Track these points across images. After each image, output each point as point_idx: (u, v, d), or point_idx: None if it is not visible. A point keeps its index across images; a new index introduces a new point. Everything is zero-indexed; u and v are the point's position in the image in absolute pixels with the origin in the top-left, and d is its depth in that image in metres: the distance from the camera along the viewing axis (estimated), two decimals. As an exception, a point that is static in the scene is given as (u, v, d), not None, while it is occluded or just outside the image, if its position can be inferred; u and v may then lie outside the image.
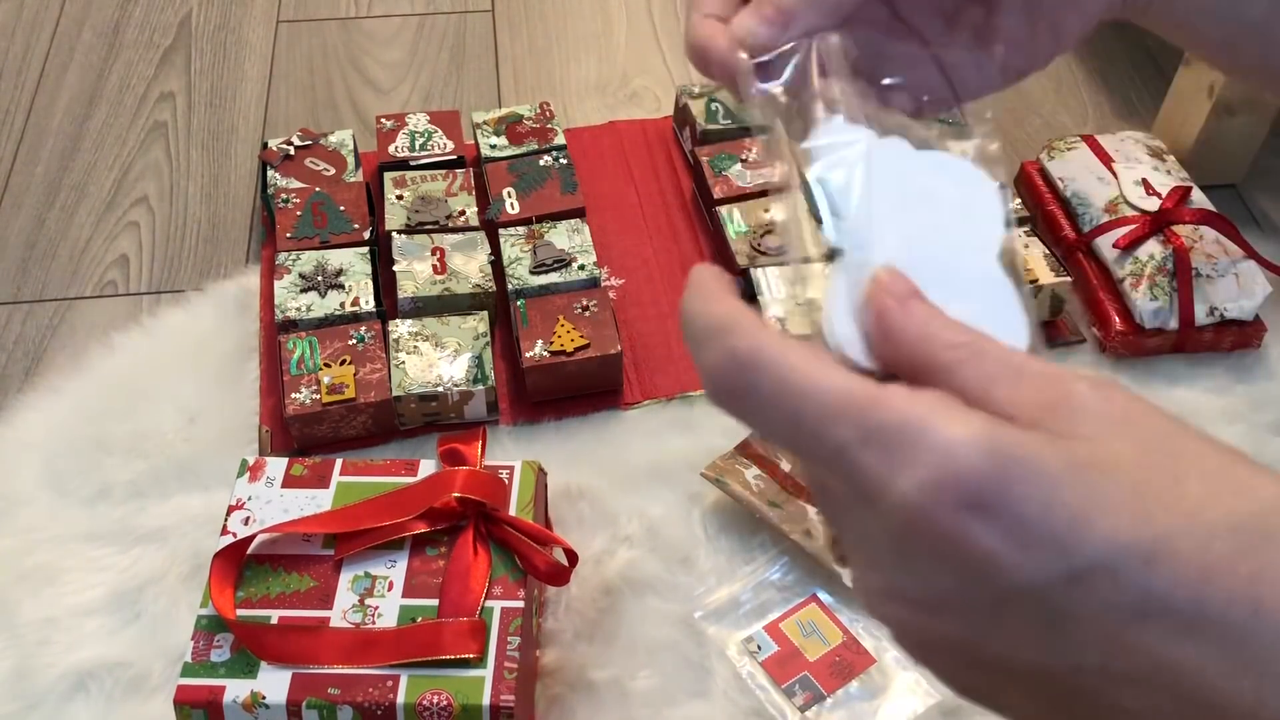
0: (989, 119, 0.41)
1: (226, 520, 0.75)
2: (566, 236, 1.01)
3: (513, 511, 0.76)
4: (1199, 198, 1.01)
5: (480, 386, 0.91)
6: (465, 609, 0.70)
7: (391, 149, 1.10)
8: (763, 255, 1.00)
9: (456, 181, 1.07)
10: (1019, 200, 1.03)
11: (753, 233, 1.02)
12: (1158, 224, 0.98)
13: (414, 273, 0.98)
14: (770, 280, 0.97)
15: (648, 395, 0.96)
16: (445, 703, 0.67)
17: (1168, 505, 0.29)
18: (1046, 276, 0.97)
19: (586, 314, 0.95)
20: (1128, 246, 0.98)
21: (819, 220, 0.36)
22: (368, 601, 0.71)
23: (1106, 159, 1.04)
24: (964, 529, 0.29)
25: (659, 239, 1.08)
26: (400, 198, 1.05)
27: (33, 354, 1.01)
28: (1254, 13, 0.52)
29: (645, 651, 0.80)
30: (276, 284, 0.98)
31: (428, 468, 0.77)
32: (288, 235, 1.02)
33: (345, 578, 0.72)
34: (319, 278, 0.98)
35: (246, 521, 0.75)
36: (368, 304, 0.97)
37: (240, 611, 0.70)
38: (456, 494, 0.74)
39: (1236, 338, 0.97)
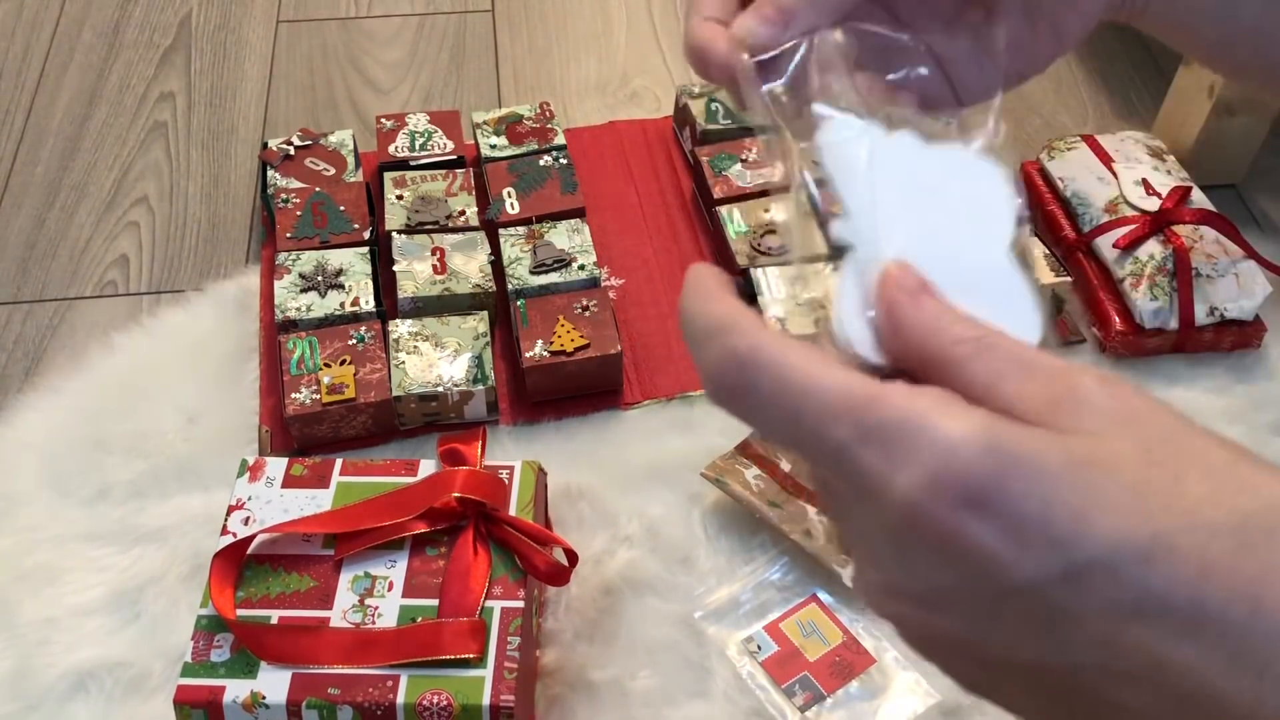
0: (997, 107, 0.41)
1: (226, 520, 0.75)
2: (566, 236, 1.01)
3: (513, 511, 0.76)
4: (1199, 198, 1.01)
5: (480, 386, 0.91)
6: (465, 609, 0.70)
7: (391, 149, 1.10)
8: (763, 255, 1.00)
9: (456, 181, 1.07)
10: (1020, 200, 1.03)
11: (753, 233, 1.02)
12: (1158, 224, 0.98)
13: (414, 273, 0.98)
14: (770, 280, 0.97)
15: (648, 395, 0.96)
16: (445, 703, 0.67)
17: (1168, 503, 0.29)
18: (1046, 276, 0.97)
19: (586, 314, 0.95)
20: (1128, 246, 0.98)
21: (821, 219, 0.36)
22: (368, 601, 0.71)
23: (1106, 159, 1.04)
24: (962, 526, 0.29)
25: (659, 239, 1.08)
26: (400, 198, 1.05)
27: (33, 354, 1.01)
28: (1250, 12, 0.52)
29: (645, 651, 0.80)
30: (276, 284, 0.98)
31: (428, 468, 0.77)
32: (288, 235, 1.02)
33: (345, 578, 0.72)
34: (319, 278, 0.98)
35: (246, 521, 0.75)
36: (368, 304, 0.97)
37: (240, 611, 0.70)
38: (456, 494, 0.74)
39: (1236, 338, 0.97)
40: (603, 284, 1.00)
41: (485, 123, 1.13)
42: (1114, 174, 1.03)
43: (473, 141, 1.13)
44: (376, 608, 0.71)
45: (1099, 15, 0.49)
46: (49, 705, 0.78)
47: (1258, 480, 0.30)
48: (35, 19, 1.34)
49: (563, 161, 1.08)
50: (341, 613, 0.71)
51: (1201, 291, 0.95)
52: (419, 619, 0.70)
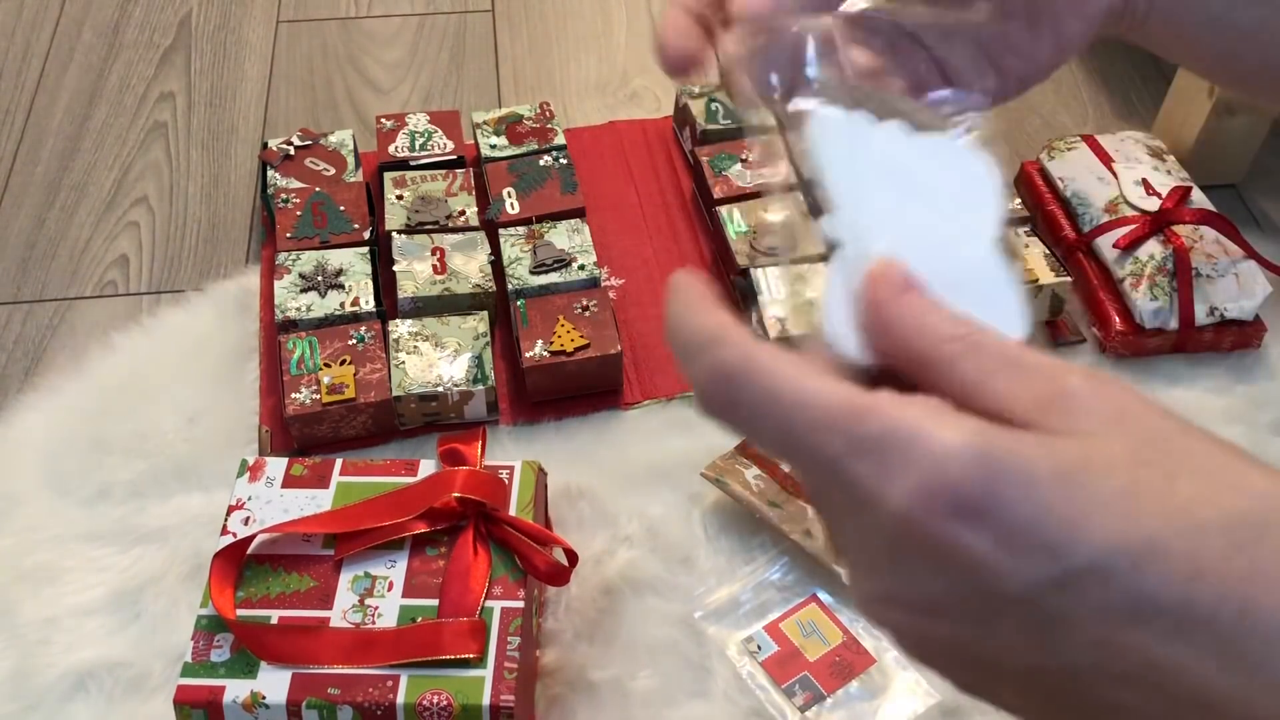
0: (988, 104, 0.41)
1: (226, 520, 0.75)
2: (566, 236, 1.01)
3: (513, 511, 0.76)
4: (1199, 198, 1.01)
5: (480, 386, 0.91)
6: (465, 609, 0.70)
7: (391, 149, 1.10)
8: (763, 255, 1.00)
9: (456, 181, 1.07)
10: (1019, 200, 1.03)
11: (753, 233, 1.02)
12: (1158, 224, 0.98)
13: (414, 273, 0.98)
14: (770, 280, 0.97)
15: (648, 395, 0.96)
16: (445, 703, 0.67)
17: (1159, 505, 0.29)
18: (1046, 276, 0.97)
19: (586, 314, 0.95)
20: (1128, 246, 0.98)
21: (815, 216, 0.36)
22: (368, 601, 0.71)
23: (1106, 159, 1.04)
24: (955, 536, 0.29)
25: (659, 239, 1.08)
26: (400, 198, 1.05)
27: (33, 354, 1.01)
28: (1250, 18, 0.51)
29: (645, 651, 0.80)
30: (276, 284, 0.98)
31: (428, 468, 0.77)
32: (288, 235, 1.02)
33: (345, 578, 0.72)
34: (319, 278, 0.98)
35: (246, 521, 0.75)
36: (368, 304, 0.97)
37: (240, 611, 0.70)
38: (456, 494, 0.74)
39: (1236, 338, 0.97)
40: (603, 284, 1.00)
41: (485, 123, 1.13)
42: (1114, 174, 1.03)
43: (473, 141, 1.13)
44: (376, 608, 0.71)
45: (1100, 18, 0.49)
46: (49, 705, 0.78)
47: (1249, 478, 0.30)
48: (35, 19, 1.34)
49: (563, 161, 1.08)
50: (341, 613, 0.71)
51: (1201, 291, 0.95)
52: (419, 619, 0.70)
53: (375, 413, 0.91)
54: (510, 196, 1.05)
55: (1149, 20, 0.50)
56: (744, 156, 1.08)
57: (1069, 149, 1.07)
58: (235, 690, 0.67)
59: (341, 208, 1.04)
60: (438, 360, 0.92)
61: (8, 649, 0.81)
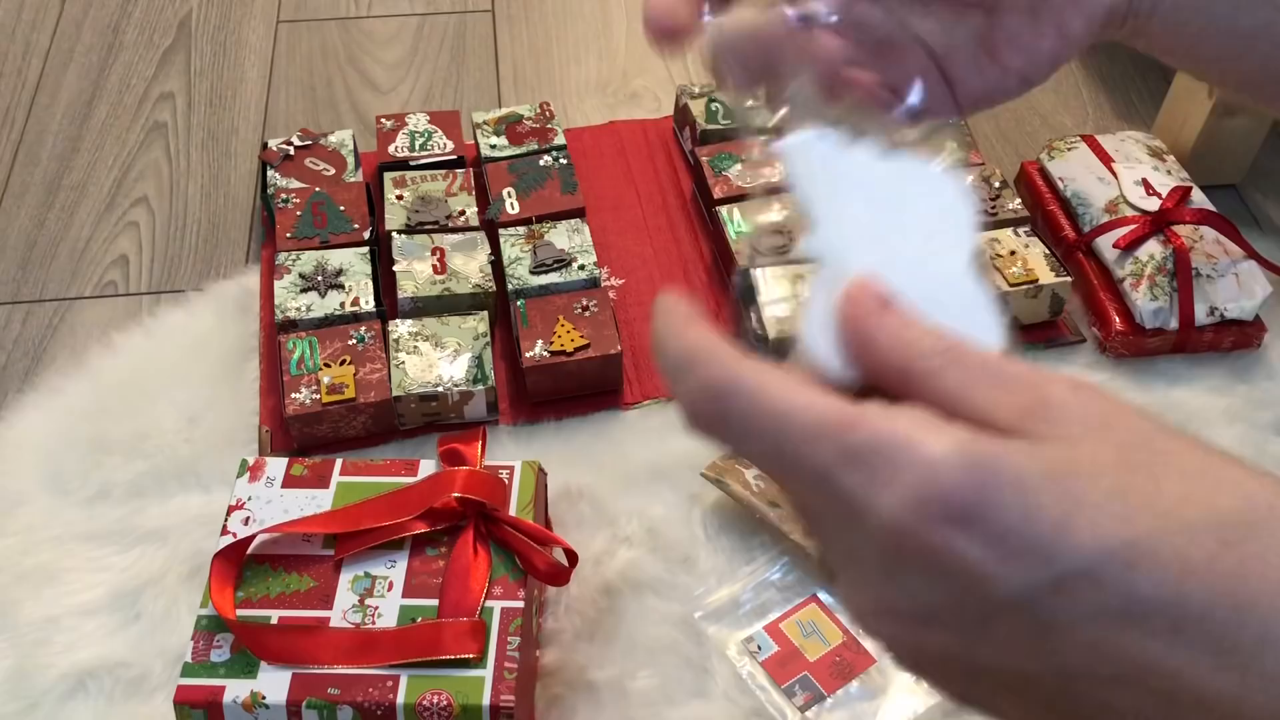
0: (955, 123, 0.42)
1: (226, 520, 0.75)
2: (566, 236, 1.01)
3: (513, 511, 0.76)
4: (1199, 198, 1.01)
5: (480, 386, 0.91)
6: (465, 609, 0.70)
7: (391, 149, 1.10)
8: (763, 255, 1.00)
9: (456, 181, 1.07)
10: (1019, 200, 1.04)
11: (752, 232, 1.02)
12: (1158, 224, 0.98)
13: (414, 273, 0.98)
14: (770, 280, 0.97)
15: (648, 395, 0.96)
16: (445, 703, 0.67)
17: (1147, 506, 0.29)
18: (1046, 276, 0.97)
19: (586, 314, 0.95)
20: (1128, 246, 0.98)
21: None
22: (368, 601, 0.71)
23: (1106, 159, 1.04)
24: (948, 543, 0.29)
25: (659, 239, 1.08)
26: (400, 198, 1.05)
27: (33, 354, 1.01)
28: (1254, 21, 0.51)
29: (645, 651, 0.80)
30: (276, 284, 0.98)
31: (428, 468, 0.77)
32: (288, 235, 1.02)
33: (345, 578, 0.72)
34: (319, 278, 0.98)
35: (246, 521, 0.75)
36: (368, 304, 0.97)
37: (240, 611, 0.70)
38: (456, 494, 0.74)
39: (1236, 338, 0.97)
40: (603, 284, 1.00)
41: (485, 123, 1.13)
42: (1114, 174, 1.03)
43: (473, 141, 1.13)
44: (376, 608, 0.71)
45: (1102, 19, 0.49)
46: (49, 705, 0.78)
47: (1233, 478, 0.30)
48: (35, 19, 1.34)
49: (563, 161, 1.08)
50: (341, 613, 0.71)
51: (1201, 291, 0.95)
52: (419, 619, 0.70)
53: (375, 413, 0.91)
54: (510, 196, 1.05)
55: (1151, 24, 0.50)
56: (744, 157, 1.08)
57: (1069, 149, 1.07)
58: (235, 690, 0.67)
59: (341, 208, 1.04)
60: (438, 360, 0.92)
61: (8, 649, 0.81)
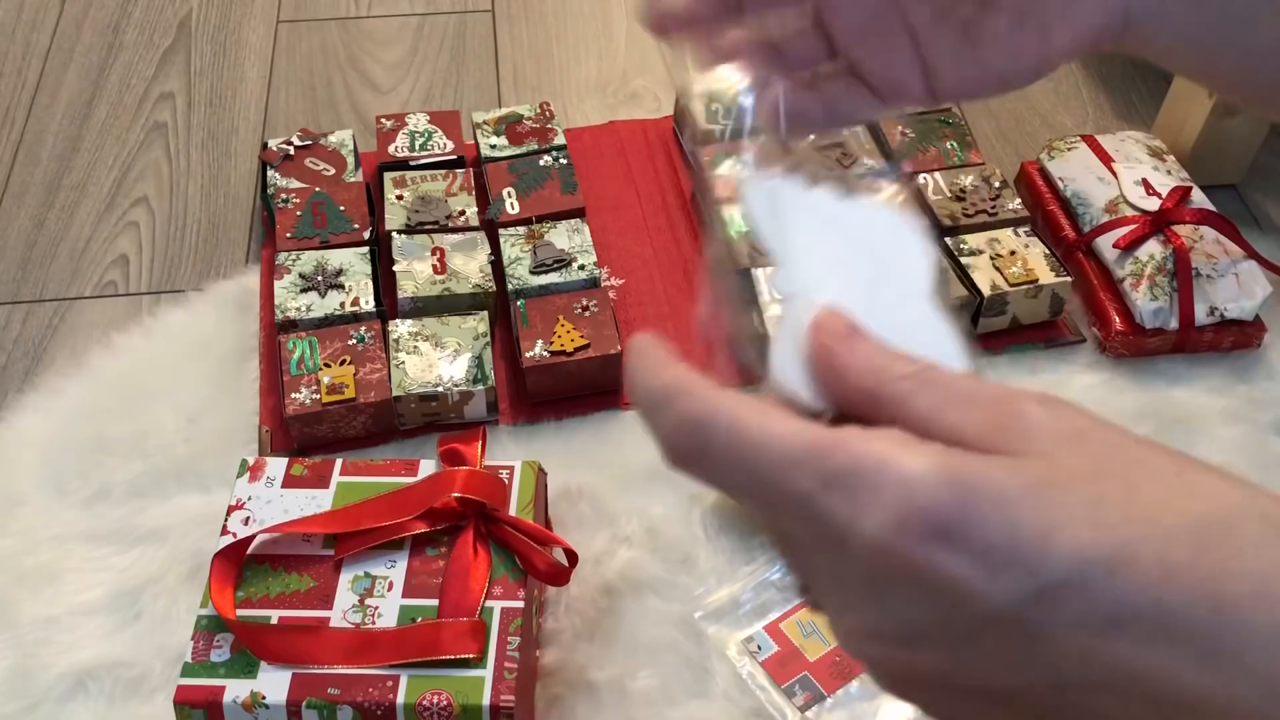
0: (907, 171, 0.44)
1: (226, 520, 0.75)
2: (566, 236, 1.01)
3: (513, 511, 0.76)
4: (1199, 198, 1.01)
5: (480, 386, 0.91)
6: (465, 609, 0.70)
7: (391, 149, 1.10)
8: (763, 255, 1.00)
9: (456, 181, 1.07)
10: (1019, 200, 1.04)
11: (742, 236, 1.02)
12: (1158, 224, 0.98)
13: (414, 273, 0.98)
14: (770, 280, 0.97)
15: (648, 395, 0.96)
16: (445, 703, 0.67)
17: (1125, 513, 0.29)
18: (1046, 276, 0.97)
19: (586, 314, 0.95)
20: (1128, 246, 0.98)
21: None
22: (368, 601, 0.71)
23: (1106, 159, 1.04)
24: (932, 560, 0.29)
25: (659, 239, 1.08)
26: (400, 198, 1.05)
27: (33, 354, 1.01)
28: (1269, 39, 0.50)
29: (645, 651, 0.80)
30: (276, 284, 0.98)
31: (428, 468, 0.77)
32: (288, 235, 1.02)
33: (345, 578, 0.72)
34: (319, 278, 0.98)
35: (246, 521, 0.75)
36: (368, 304, 0.97)
37: (240, 611, 0.70)
38: (456, 494, 0.74)
39: (1236, 338, 0.97)
40: (603, 284, 1.00)
41: (485, 123, 1.13)
42: (1114, 174, 1.03)
43: (473, 141, 1.13)
44: (376, 608, 0.71)
45: (1090, 38, 0.48)
46: (49, 705, 0.78)
47: (1206, 484, 0.31)
48: (35, 19, 1.34)
49: (563, 161, 1.08)
50: (341, 613, 0.71)
51: (1201, 291, 0.95)
52: (419, 619, 0.70)
53: (375, 413, 0.91)
54: (510, 196, 1.05)
55: (1155, 42, 0.49)
56: (744, 158, 1.08)
57: (1069, 149, 1.07)
58: (235, 690, 0.67)
59: (341, 208, 1.04)
60: (438, 360, 0.92)
61: (8, 649, 0.81)
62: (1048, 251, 0.99)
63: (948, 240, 1.00)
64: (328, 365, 0.92)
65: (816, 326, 0.35)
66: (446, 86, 1.26)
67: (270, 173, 1.09)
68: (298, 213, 1.04)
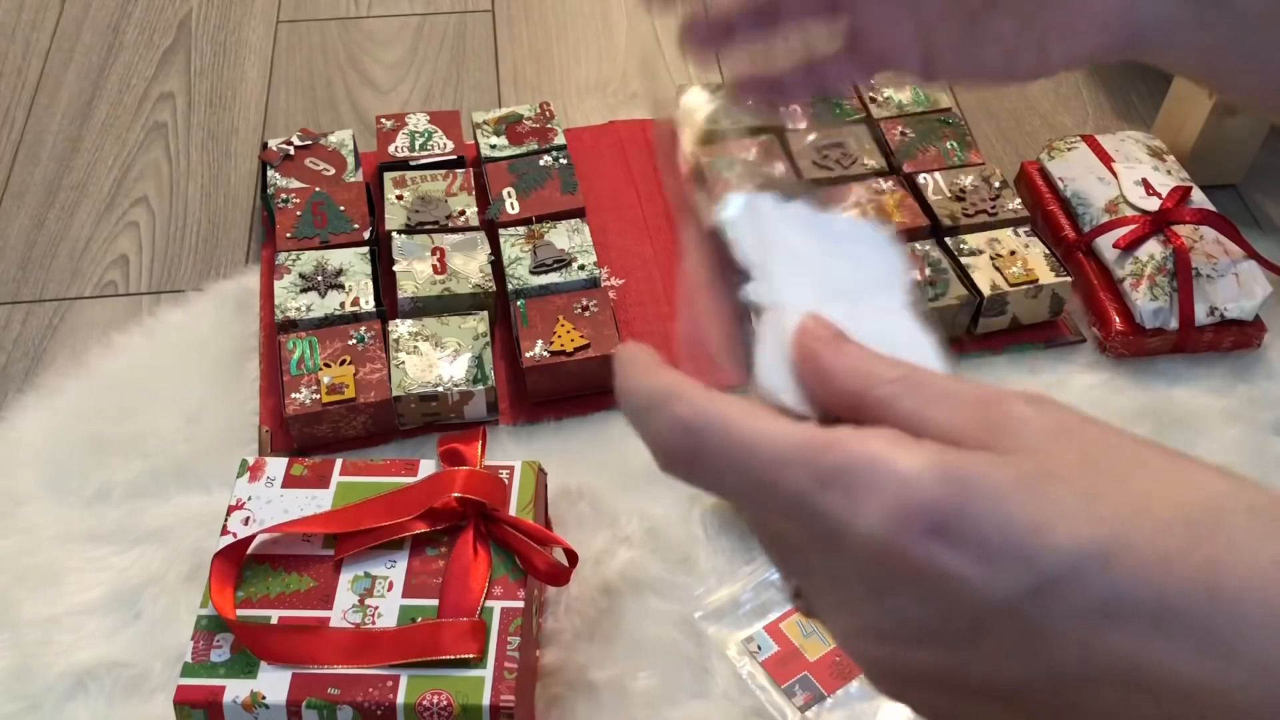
0: (881, 191, 0.45)
1: (226, 520, 0.75)
2: (566, 236, 1.01)
3: (513, 511, 0.76)
4: (1199, 198, 1.01)
5: (480, 386, 0.91)
6: (465, 609, 0.70)
7: (391, 149, 1.10)
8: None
9: (456, 181, 1.07)
10: (1019, 200, 1.04)
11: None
12: (1158, 224, 0.98)
13: (414, 273, 0.98)
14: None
15: (648, 395, 0.96)
16: (445, 703, 0.67)
17: (1119, 505, 0.30)
18: (1046, 276, 0.97)
19: (586, 314, 0.95)
20: (1128, 246, 0.98)
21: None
22: (368, 601, 0.71)
23: (1106, 159, 1.04)
24: (930, 556, 0.30)
25: (659, 239, 1.08)
26: (400, 198, 1.05)
27: (33, 354, 1.01)
28: (1274, 42, 0.50)
29: (645, 651, 0.80)
30: (276, 284, 0.98)
31: (428, 468, 0.77)
32: (288, 235, 1.02)
33: (345, 578, 0.72)
34: (319, 278, 0.98)
35: (246, 521, 0.75)
36: (368, 304, 0.97)
37: (240, 611, 0.70)
38: (456, 494, 0.74)
39: (1236, 338, 0.97)
40: (603, 284, 1.00)
41: (485, 123, 1.13)
42: (1114, 174, 1.03)
43: (473, 141, 1.13)
44: (376, 608, 0.71)
45: (1091, 52, 0.49)
46: (49, 705, 0.78)
47: (1198, 475, 0.31)
48: (35, 19, 1.34)
49: (563, 161, 1.08)
50: (341, 613, 0.71)
51: (1201, 291, 0.95)
52: (419, 619, 0.70)
53: (375, 413, 0.91)
54: (510, 196, 1.05)
55: (1167, 54, 0.50)
56: (745, 158, 1.08)
57: (1069, 149, 1.07)
58: (235, 690, 0.67)
59: (341, 208, 1.04)
60: (438, 360, 0.92)
61: (8, 649, 0.81)
62: (1048, 251, 0.99)
63: (948, 240, 1.00)
64: (328, 365, 0.92)
65: (801, 332, 0.35)
66: (446, 86, 1.26)
67: (270, 173, 1.09)
68: (298, 213, 1.04)
